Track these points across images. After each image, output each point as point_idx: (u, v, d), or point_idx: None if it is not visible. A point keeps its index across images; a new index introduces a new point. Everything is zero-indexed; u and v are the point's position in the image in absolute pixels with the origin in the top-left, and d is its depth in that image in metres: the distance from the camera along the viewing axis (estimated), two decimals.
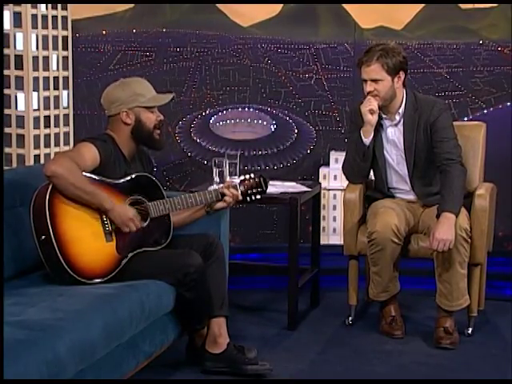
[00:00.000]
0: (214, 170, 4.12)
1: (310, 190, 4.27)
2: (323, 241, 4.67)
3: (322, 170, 4.90)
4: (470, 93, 4.86)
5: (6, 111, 4.44)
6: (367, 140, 3.94)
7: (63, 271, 3.09)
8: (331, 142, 4.93)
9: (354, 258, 4.10)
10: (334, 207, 4.90)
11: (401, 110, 3.96)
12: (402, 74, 3.90)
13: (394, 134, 4.00)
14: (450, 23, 4.91)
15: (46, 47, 4.47)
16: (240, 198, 3.55)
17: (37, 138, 4.48)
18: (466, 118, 4.84)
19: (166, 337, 3.34)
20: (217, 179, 4.10)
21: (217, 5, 4.88)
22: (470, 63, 4.85)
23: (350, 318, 4.14)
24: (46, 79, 4.49)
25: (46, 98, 4.50)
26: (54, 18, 4.49)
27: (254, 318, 4.29)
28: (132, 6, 4.84)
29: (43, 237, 3.09)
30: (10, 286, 3.04)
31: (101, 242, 3.20)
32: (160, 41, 4.88)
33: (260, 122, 4.98)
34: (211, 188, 4.00)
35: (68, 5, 4.55)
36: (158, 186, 3.45)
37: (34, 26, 4.40)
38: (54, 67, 4.53)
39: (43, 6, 4.43)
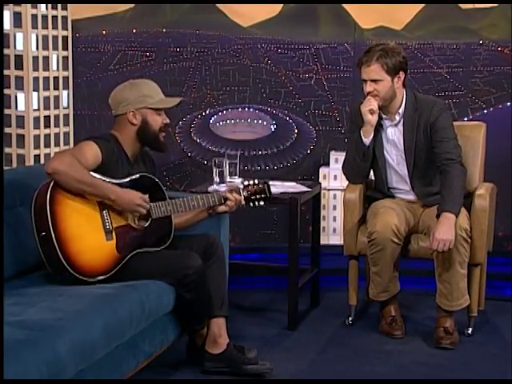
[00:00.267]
0: (214, 170, 4.13)
1: (310, 190, 4.26)
2: (323, 241, 4.66)
3: (322, 170, 4.89)
4: (470, 93, 4.85)
5: (6, 111, 4.43)
6: (367, 140, 3.94)
7: (63, 269, 3.09)
8: (331, 142, 4.92)
9: (353, 257, 4.10)
10: (334, 207, 4.90)
11: (401, 110, 3.96)
12: (401, 74, 3.90)
13: (393, 134, 4.00)
14: (450, 23, 4.91)
15: (46, 47, 4.46)
16: (243, 202, 3.55)
17: (37, 138, 4.48)
18: (465, 118, 4.83)
19: (165, 337, 3.34)
20: (217, 179, 4.10)
21: (217, 5, 4.87)
22: (469, 63, 4.84)
23: (350, 318, 4.14)
24: (46, 79, 4.48)
25: (46, 98, 4.50)
26: (54, 17, 4.48)
27: (254, 318, 4.29)
28: (132, 6, 4.83)
29: (43, 233, 3.09)
30: (10, 286, 3.04)
31: (101, 241, 3.20)
32: (160, 41, 4.88)
33: (260, 122, 4.98)
34: (212, 188, 4.00)
35: (68, 5, 4.54)
36: (161, 188, 3.44)
37: (34, 26, 4.39)
38: (54, 67, 4.52)
39: (43, 6, 4.42)
